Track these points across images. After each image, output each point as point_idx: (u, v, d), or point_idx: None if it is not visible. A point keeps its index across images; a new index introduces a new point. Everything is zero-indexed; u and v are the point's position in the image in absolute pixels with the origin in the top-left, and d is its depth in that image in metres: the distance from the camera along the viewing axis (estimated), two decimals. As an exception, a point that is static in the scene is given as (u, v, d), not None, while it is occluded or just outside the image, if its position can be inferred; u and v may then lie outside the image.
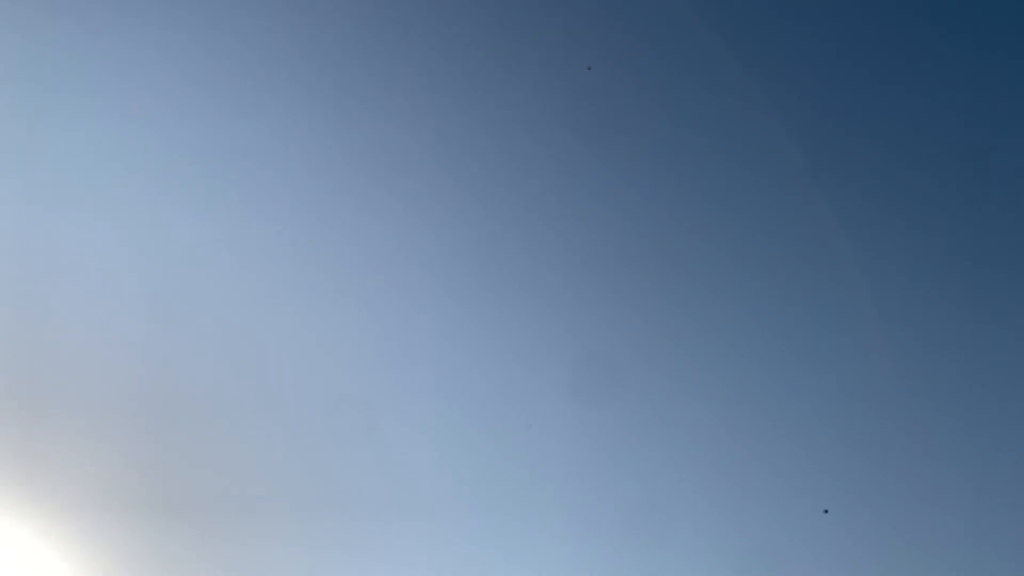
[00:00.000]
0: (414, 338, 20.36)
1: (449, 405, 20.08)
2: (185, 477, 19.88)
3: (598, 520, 19.20)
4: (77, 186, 20.68)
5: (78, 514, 19.35)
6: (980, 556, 18.48)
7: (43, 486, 19.44)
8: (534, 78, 20.80)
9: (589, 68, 18.69)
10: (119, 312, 20.38)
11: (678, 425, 19.80)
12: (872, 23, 20.40)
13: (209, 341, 20.38)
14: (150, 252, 20.60)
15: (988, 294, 19.80)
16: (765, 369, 19.98)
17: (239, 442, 20.03)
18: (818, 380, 19.87)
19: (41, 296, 20.44)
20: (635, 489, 19.36)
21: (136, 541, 19.50)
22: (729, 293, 20.26)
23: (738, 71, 20.73)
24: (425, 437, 19.94)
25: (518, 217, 20.70)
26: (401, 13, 20.92)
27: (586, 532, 19.22)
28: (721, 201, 20.60)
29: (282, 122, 20.73)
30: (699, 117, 20.88)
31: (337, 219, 20.79)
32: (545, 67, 20.79)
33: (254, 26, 20.73)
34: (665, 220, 20.76)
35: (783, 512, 19.16)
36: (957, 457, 19.51)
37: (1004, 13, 20.17)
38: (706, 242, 20.51)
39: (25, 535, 19.15)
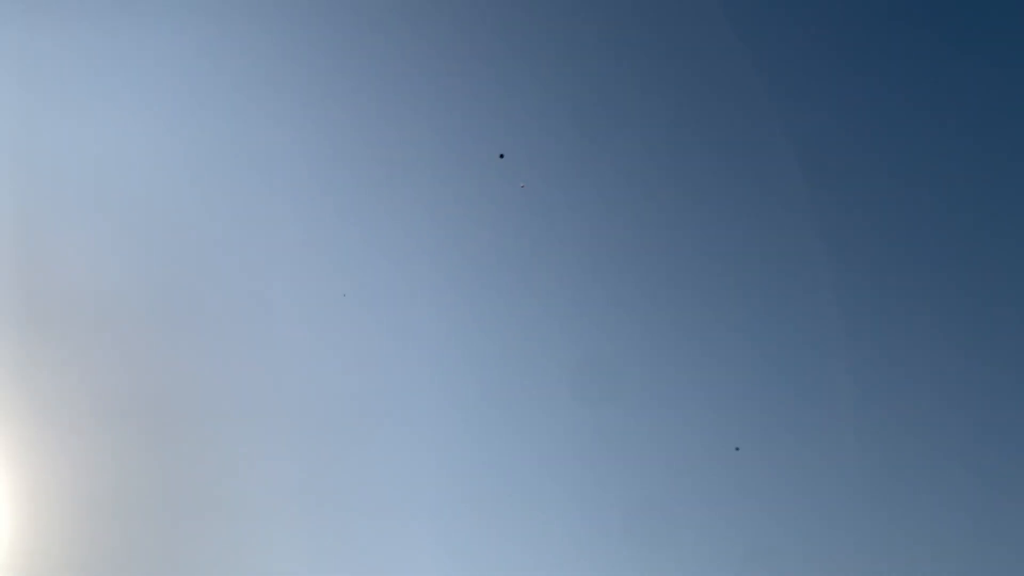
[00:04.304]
0: (415, 339, 20.37)
1: (449, 405, 20.03)
2: (185, 477, 19.76)
3: (597, 516, 19.02)
4: (76, 184, 20.80)
5: (79, 510, 19.20)
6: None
7: (42, 481, 19.31)
8: (534, 81, 21.03)
9: (501, 155, 19.05)
10: (120, 311, 20.39)
11: (677, 425, 19.73)
12: (867, 27, 20.63)
13: (209, 341, 20.40)
14: (151, 250, 20.68)
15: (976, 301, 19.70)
16: (764, 368, 19.95)
17: (240, 441, 19.95)
18: (815, 378, 19.85)
19: (41, 292, 20.45)
20: (634, 487, 19.21)
21: (139, 540, 19.35)
22: (726, 295, 20.31)
23: (740, 77, 20.95)
24: (425, 436, 19.85)
25: (518, 223, 20.83)
26: (401, 14, 21.22)
27: (585, 528, 19.04)
28: (718, 208, 20.72)
29: (285, 124, 20.92)
30: (700, 127, 21.06)
31: (338, 221, 20.90)
32: (547, 70, 21.04)
33: (257, 28, 21.03)
34: (663, 226, 20.87)
35: (780, 508, 19.00)
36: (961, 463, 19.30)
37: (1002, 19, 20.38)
38: (703, 247, 20.59)
39: (24, 531, 18.99)
